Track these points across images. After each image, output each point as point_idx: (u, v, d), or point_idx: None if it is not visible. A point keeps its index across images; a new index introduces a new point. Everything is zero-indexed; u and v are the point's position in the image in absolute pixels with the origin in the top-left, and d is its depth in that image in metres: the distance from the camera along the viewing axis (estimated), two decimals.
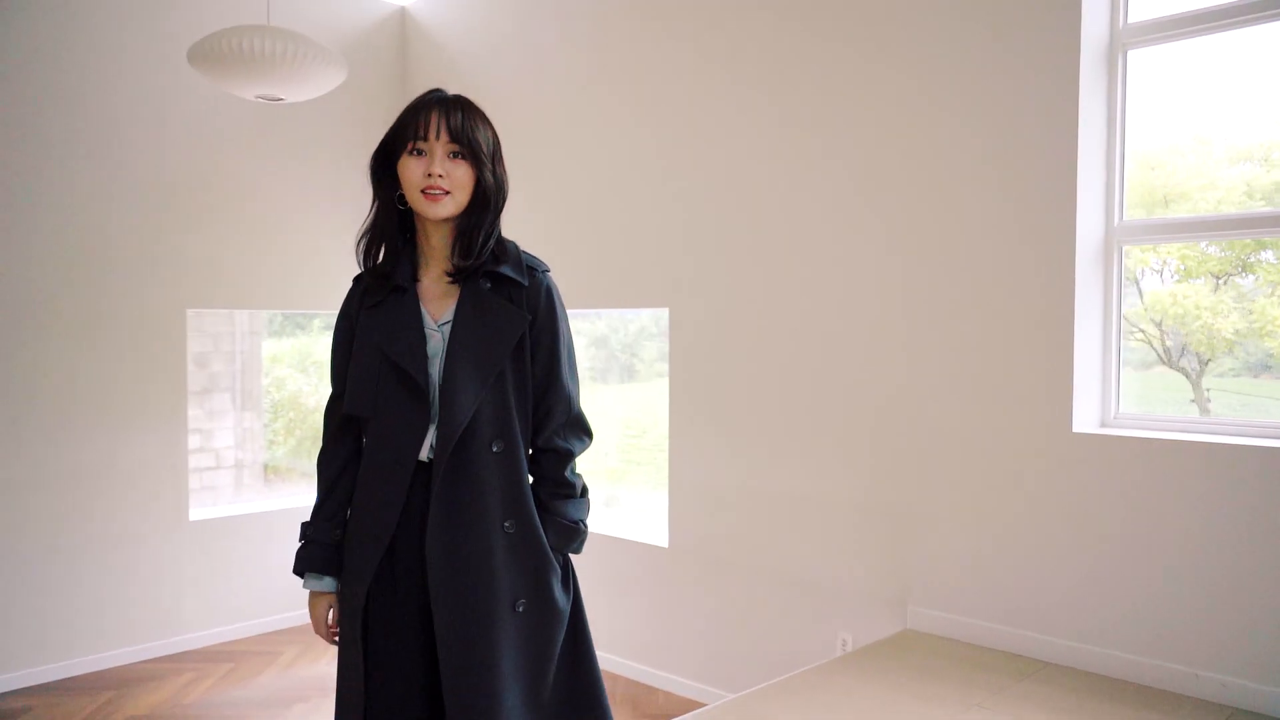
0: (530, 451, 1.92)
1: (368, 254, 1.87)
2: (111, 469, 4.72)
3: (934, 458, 3.54)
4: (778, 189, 3.99)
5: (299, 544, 1.88)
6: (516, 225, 5.15)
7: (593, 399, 5.60)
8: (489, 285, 1.84)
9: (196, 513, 5.13)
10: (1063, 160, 3.22)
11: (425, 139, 1.78)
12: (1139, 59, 3.31)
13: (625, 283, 4.60)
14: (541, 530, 1.83)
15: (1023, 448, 3.32)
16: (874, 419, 3.70)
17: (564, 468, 1.91)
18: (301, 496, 5.98)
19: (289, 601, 5.22)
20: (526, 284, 1.87)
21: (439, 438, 1.74)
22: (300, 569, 1.86)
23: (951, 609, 3.50)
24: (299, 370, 7.42)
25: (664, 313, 4.61)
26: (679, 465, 4.37)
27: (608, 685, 4.28)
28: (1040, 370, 3.28)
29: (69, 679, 4.55)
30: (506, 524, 1.77)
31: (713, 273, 4.22)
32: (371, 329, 1.78)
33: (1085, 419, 3.27)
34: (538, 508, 1.87)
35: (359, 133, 5.45)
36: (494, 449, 1.77)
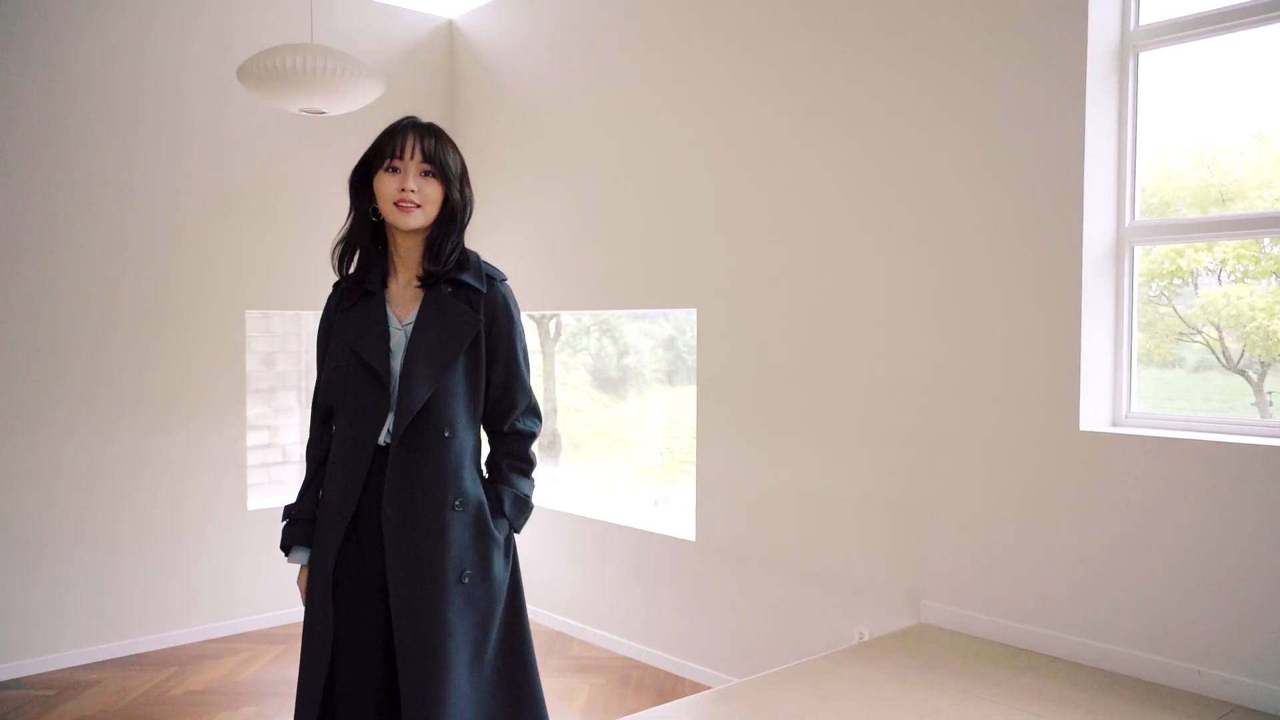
0: (495, 434, 2.16)
1: (341, 260, 2.08)
2: (176, 461, 5.03)
3: (945, 456, 3.61)
4: (797, 193, 4.09)
5: (283, 523, 2.10)
6: (550, 227, 5.36)
7: (653, 400, 5.74)
8: (450, 290, 2.03)
9: (255, 503, 5.42)
10: (1069, 162, 3.28)
11: (400, 158, 1.98)
12: (1183, 55, 3.32)
13: (655, 283, 4.75)
14: (487, 509, 2.02)
15: (1030, 446, 3.38)
16: (889, 418, 3.79)
17: (527, 446, 2.18)
18: None
19: None
20: (485, 291, 2.06)
21: (395, 423, 1.94)
22: (286, 544, 2.08)
23: (963, 604, 3.57)
24: None
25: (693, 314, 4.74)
26: (706, 462, 4.50)
27: (636, 675, 4.46)
28: (1047, 370, 3.33)
29: (134, 655, 4.87)
30: (455, 502, 1.96)
31: (738, 275, 4.34)
32: (344, 329, 1.99)
33: (1094, 418, 3.31)
34: (498, 482, 2.09)
35: None
36: (444, 434, 1.96)
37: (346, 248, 2.09)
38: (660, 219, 4.72)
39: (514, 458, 2.14)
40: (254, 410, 5.86)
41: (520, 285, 5.60)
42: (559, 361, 6.33)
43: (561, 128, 5.26)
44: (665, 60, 4.67)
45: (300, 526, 2.07)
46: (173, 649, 4.98)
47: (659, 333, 5.83)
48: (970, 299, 3.55)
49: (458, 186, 2.07)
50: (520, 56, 5.55)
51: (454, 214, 2.08)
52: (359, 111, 4.48)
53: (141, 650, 4.93)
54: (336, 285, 2.12)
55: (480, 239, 5.88)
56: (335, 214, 5.46)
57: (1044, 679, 3.11)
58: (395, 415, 1.95)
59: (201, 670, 4.69)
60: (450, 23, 6.00)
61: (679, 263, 4.62)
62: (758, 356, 4.27)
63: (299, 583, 2.10)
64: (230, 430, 5.21)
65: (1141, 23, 3.35)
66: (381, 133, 2.06)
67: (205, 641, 5.09)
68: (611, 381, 5.95)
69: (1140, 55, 3.36)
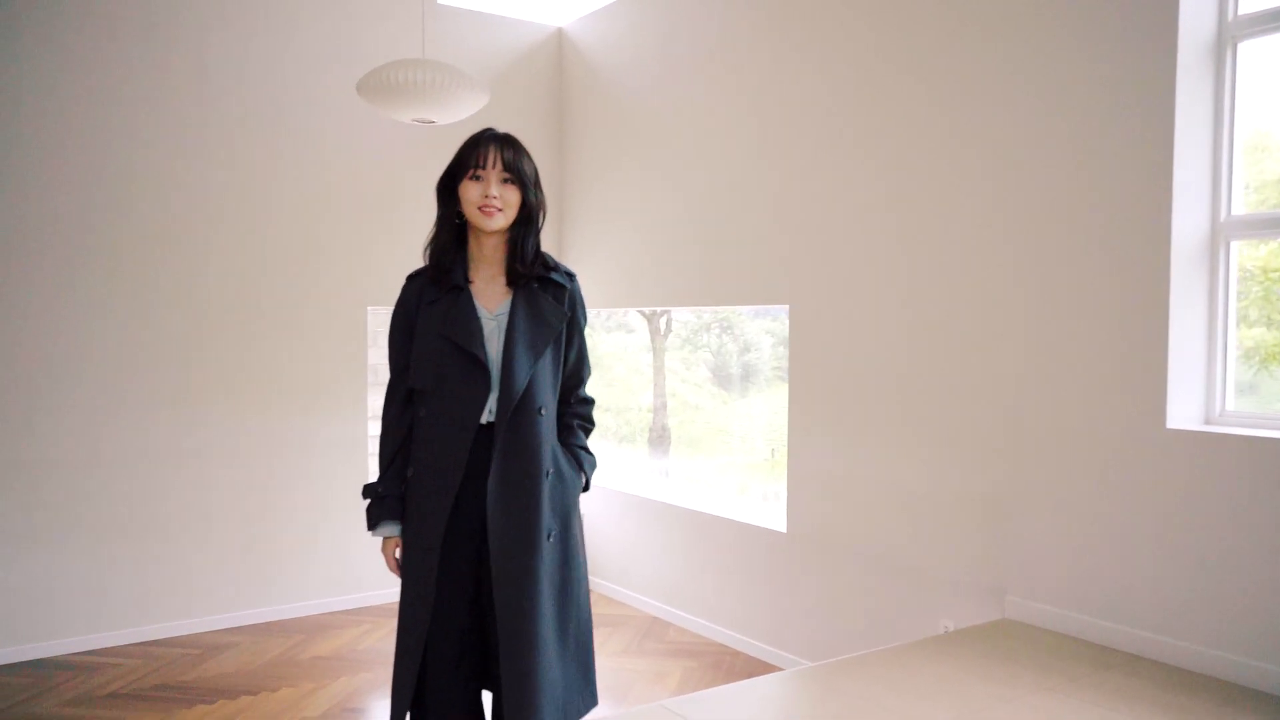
0: (565, 401, 2.45)
1: (434, 257, 2.29)
2: (304, 444, 5.46)
3: (1031, 452, 3.62)
4: (887, 191, 4.15)
5: (369, 501, 2.31)
6: (650, 226, 5.53)
7: (771, 397, 5.87)
8: (537, 286, 2.24)
9: None
10: (1158, 156, 3.24)
11: (483, 168, 2.19)
12: (1260, 49, 3.26)
13: (750, 280, 4.87)
14: (571, 478, 2.26)
15: (1116, 444, 3.36)
16: (975, 414, 3.81)
17: (590, 409, 2.50)
18: None
19: None
20: (569, 288, 2.28)
21: (499, 404, 2.15)
22: (377, 520, 2.29)
23: (1048, 600, 3.57)
24: None
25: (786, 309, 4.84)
26: (797, 455, 4.60)
27: (728, 660, 4.61)
28: (1133, 367, 3.31)
29: (266, 623, 5.32)
30: (548, 472, 2.18)
31: (830, 273, 4.42)
32: (432, 320, 2.20)
33: (1183, 415, 3.27)
34: (571, 440, 2.39)
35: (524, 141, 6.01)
36: (540, 412, 2.18)
37: (437, 247, 2.31)
38: (755, 218, 4.83)
39: (582, 419, 2.44)
40: (376, 402, 6.26)
41: (618, 282, 5.81)
42: (678, 358, 6.49)
43: (662, 129, 5.44)
44: (762, 63, 4.78)
45: (390, 503, 2.27)
46: (301, 618, 5.41)
47: (779, 330, 5.93)
48: (1056, 295, 3.54)
49: (533, 191, 2.27)
50: (625, 61, 5.76)
51: (531, 215, 2.29)
52: (466, 120, 4.76)
53: (274, 618, 5.37)
54: (413, 279, 2.33)
55: (581, 237, 6.14)
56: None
57: (1124, 676, 3.10)
58: (499, 396, 2.17)
59: (326, 638, 5.09)
60: (559, 30, 6.26)
61: (773, 260, 4.73)
62: (847, 353, 4.35)
63: (386, 553, 2.32)
64: (352, 418, 5.61)
65: (1241, 12, 3.28)
66: (464, 144, 2.27)
67: (328, 613, 5.51)
68: (731, 378, 6.07)
69: (1239, 45, 3.29)
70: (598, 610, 5.63)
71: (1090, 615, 3.44)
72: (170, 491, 5.11)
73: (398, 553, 2.31)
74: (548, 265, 2.31)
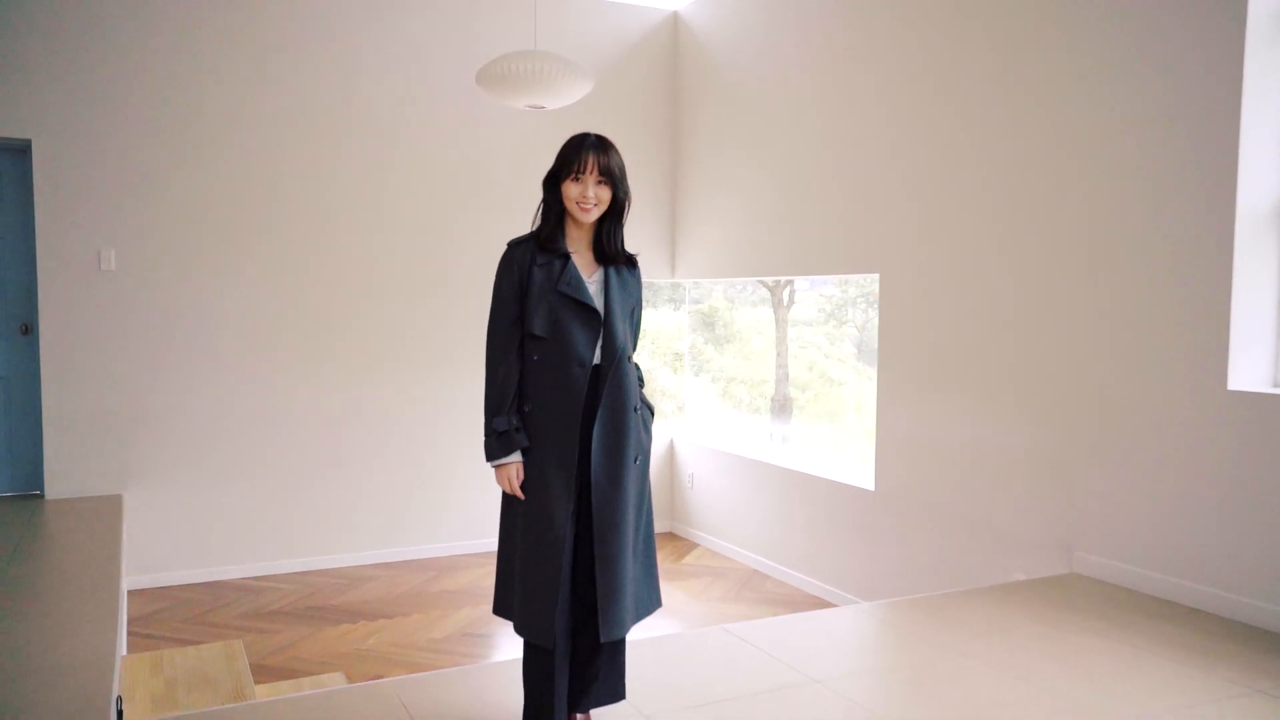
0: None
1: (540, 232, 2.70)
2: (431, 406, 6.08)
3: (1099, 415, 3.79)
4: (969, 165, 4.34)
5: (496, 434, 2.72)
6: (755, 199, 5.85)
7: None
8: (622, 266, 2.67)
9: None
10: (1225, 126, 3.35)
11: (583, 172, 2.61)
12: None
13: (843, 250, 5.14)
14: (646, 417, 2.68)
15: (1178, 406, 3.50)
16: (1047, 377, 3.99)
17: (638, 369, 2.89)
18: None
19: None
20: (638, 269, 2.70)
21: (604, 350, 2.60)
22: (504, 450, 2.64)
23: (1114, 556, 3.74)
24: None
25: (871, 278, 5.09)
26: (884, 418, 4.87)
27: (817, 609, 4.93)
28: (1196, 331, 3.44)
29: (401, 561, 5.99)
30: (635, 407, 2.61)
31: (918, 244, 4.65)
32: (545, 279, 2.62)
33: (1246, 378, 3.39)
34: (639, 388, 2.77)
35: (637, 123, 6.46)
36: (629, 359, 2.63)
37: (544, 225, 2.74)
38: (849, 191, 5.09)
39: (640, 371, 2.84)
40: None
41: (725, 253, 6.15)
42: (823, 333, 6.71)
43: (768, 107, 5.74)
44: (860, 44, 5.02)
45: (517, 436, 2.67)
46: (430, 558, 6.06)
47: None
48: (1123, 264, 3.69)
49: (622, 188, 2.69)
50: (735, 42, 6.07)
51: (619, 209, 2.70)
52: (574, 105, 5.19)
53: (409, 558, 6.04)
54: (517, 245, 2.74)
55: (693, 210, 6.51)
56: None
57: (1174, 627, 3.28)
58: (603, 344, 2.62)
59: (454, 576, 5.70)
60: (674, 14, 6.61)
61: (865, 231, 4.98)
62: (931, 320, 4.58)
63: (509, 477, 2.67)
64: (476, 378, 6.18)
65: None
66: (567, 147, 2.68)
67: (457, 555, 6.13)
68: (874, 353, 6.30)
69: None
70: (701, 562, 6.05)
71: (1153, 570, 3.61)
72: (321, 444, 5.81)
73: (518, 474, 2.74)
74: (625, 250, 2.74)
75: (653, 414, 2.82)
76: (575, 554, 2.62)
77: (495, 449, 2.62)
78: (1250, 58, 3.32)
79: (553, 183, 2.68)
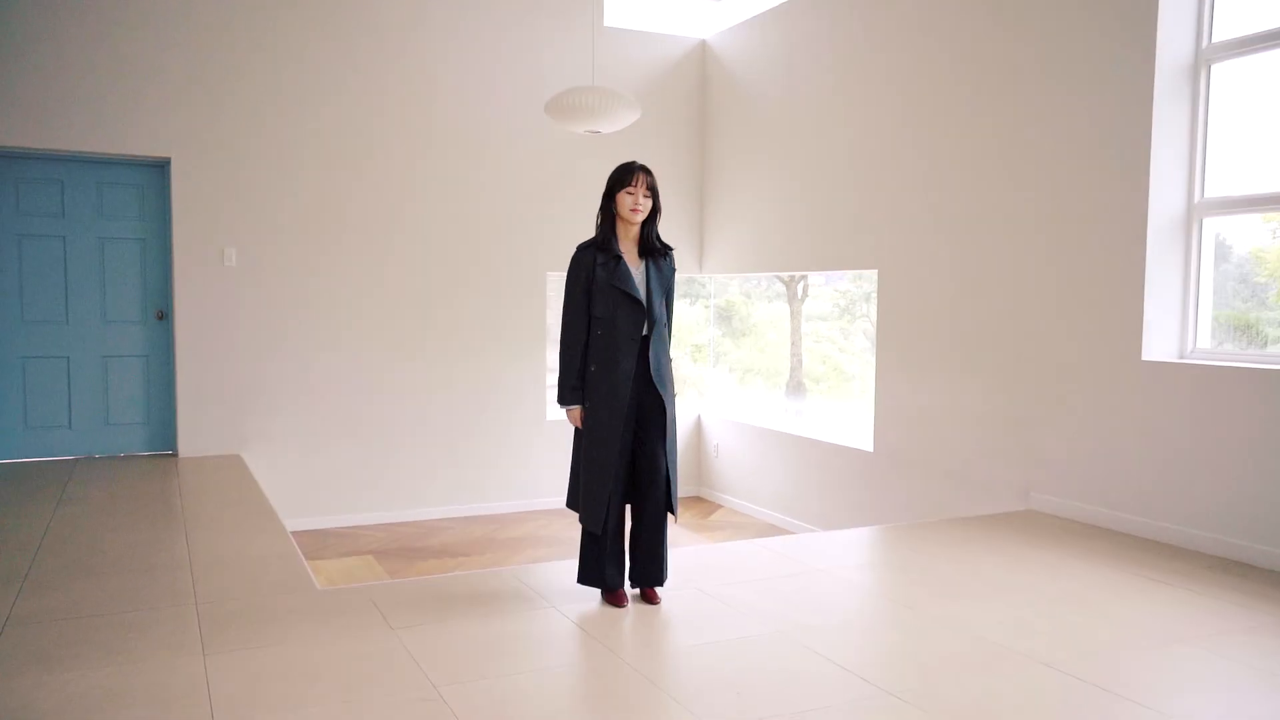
0: None
1: (600, 239, 3.69)
2: (494, 384, 7.12)
3: (1049, 381, 4.80)
4: (945, 180, 5.36)
5: (569, 388, 3.65)
6: (772, 204, 6.84)
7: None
8: (659, 258, 3.67)
9: (551, 415, 7.44)
10: (1138, 153, 4.35)
11: (634, 186, 3.60)
12: (1231, 70, 4.30)
13: (846, 248, 6.15)
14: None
15: (1105, 374, 4.51)
16: (1007, 352, 5.00)
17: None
18: None
19: None
20: (671, 257, 3.71)
21: (649, 324, 3.59)
22: (572, 398, 3.64)
23: (1063, 495, 4.75)
24: None
25: (873, 274, 6.10)
26: (882, 389, 5.88)
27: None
28: (1119, 314, 4.44)
29: (469, 516, 7.03)
30: (669, 364, 3.62)
31: (908, 243, 5.66)
32: (606, 277, 3.62)
33: (1157, 351, 4.39)
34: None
35: (671, 138, 7.49)
36: (667, 328, 3.63)
37: (604, 231, 3.74)
38: (852, 197, 6.11)
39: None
40: (551, 357, 7.86)
41: (745, 252, 7.16)
42: (836, 328, 7.54)
43: (782, 122, 6.76)
44: (864, 70, 6.04)
45: (578, 389, 3.67)
46: (491, 515, 7.10)
47: None
48: (1065, 259, 4.70)
49: (658, 200, 3.70)
50: (755, 66, 7.09)
51: (656, 214, 3.71)
52: (624, 130, 6.20)
53: (471, 514, 7.08)
54: (585, 249, 3.70)
55: (718, 212, 7.52)
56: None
57: (1109, 545, 4.28)
58: (648, 320, 3.63)
59: (516, 527, 6.75)
60: (703, 42, 7.64)
61: (867, 233, 6.00)
62: (920, 308, 5.59)
63: (576, 417, 3.67)
64: (532, 364, 7.23)
65: (1214, 39, 4.33)
66: (621, 170, 3.66)
67: (513, 513, 7.18)
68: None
69: (1213, 67, 4.34)
70: (726, 519, 7.07)
71: (1095, 505, 4.61)
72: (403, 415, 6.86)
73: (578, 416, 3.73)
74: (663, 243, 3.74)
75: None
76: (631, 467, 3.64)
77: (567, 398, 3.65)
78: (1158, 103, 4.32)
79: (609, 196, 3.68)
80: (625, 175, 3.62)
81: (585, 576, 3.59)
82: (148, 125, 6.09)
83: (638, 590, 3.62)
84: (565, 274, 3.72)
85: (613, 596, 3.55)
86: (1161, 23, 4.29)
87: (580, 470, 3.65)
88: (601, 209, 3.69)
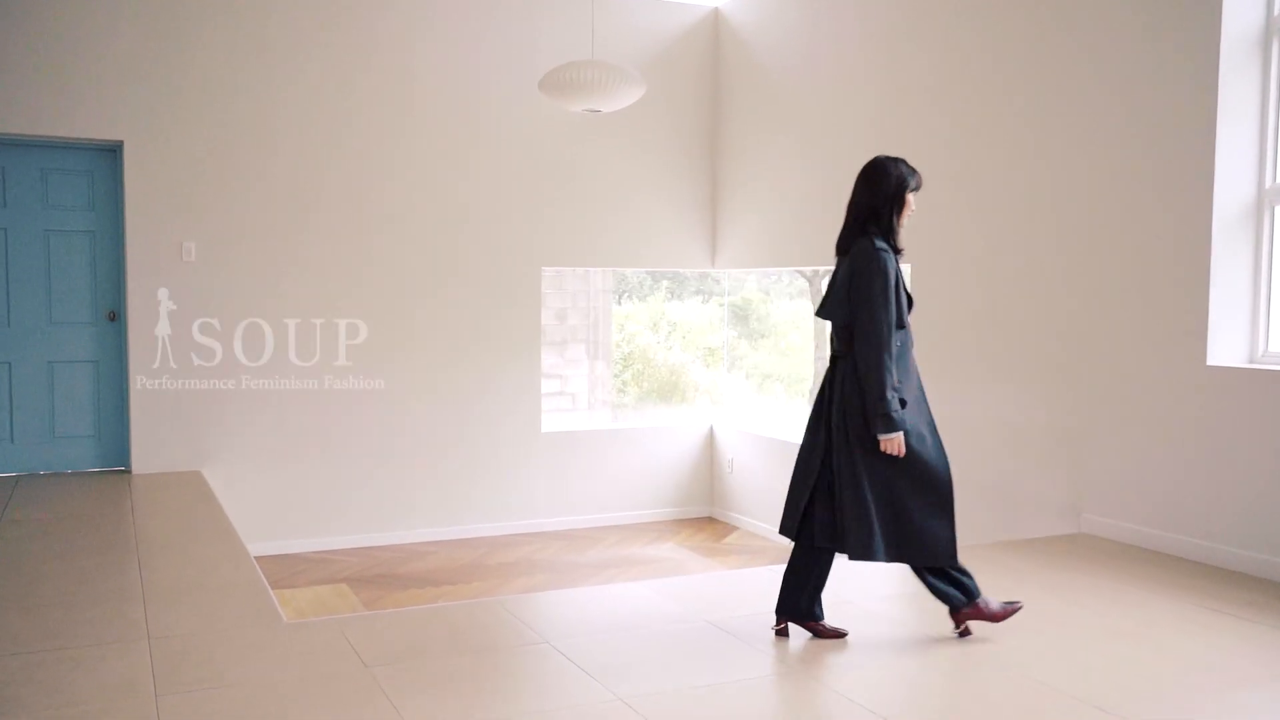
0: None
1: (894, 238, 3.63)
2: (483, 390, 7.12)
3: (1101, 389, 4.77)
4: (985, 167, 5.34)
5: (893, 412, 3.40)
6: (790, 190, 6.83)
7: None
8: None
9: (547, 426, 7.44)
10: (1203, 137, 4.33)
11: (916, 191, 3.64)
12: None
13: None
14: None
15: (1166, 380, 4.48)
16: (1057, 358, 4.98)
17: None
18: (643, 418, 8.13)
19: (620, 502, 7.42)
20: None
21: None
22: (900, 425, 3.42)
23: (1118, 516, 4.72)
24: (650, 328, 9.59)
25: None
26: None
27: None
28: (1181, 316, 4.42)
29: (456, 539, 7.03)
30: None
31: (943, 237, 5.64)
32: (898, 279, 3.56)
33: (1224, 356, 4.36)
34: None
35: (679, 118, 7.50)
36: None
37: (895, 235, 3.66)
38: None
39: None
40: (547, 360, 7.87)
41: (761, 244, 7.15)
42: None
43: (804, 100, 6.75)
44: (905, 36, 6.03)
45: (901, 413, 3.49)
46: (483, 536, 7.10)
47: None
48: (1119, 254, 4.67)
49: None
50: (775, 37, 7.08)
51: None
52: (627, 109, 6.20)
53: (461, 536, 7.07)
54: (885, 251, 3.56)
55: (732, 198, 7.52)
56: (627, 185, 7.22)
57: (1172, 572, 4.26)
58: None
59: (508, 552, 6.74)
60: (715, 10, 7.64)
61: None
62: (957, 306, 5.57)
63: (900, 443, 3.42)
64: (527, 366, 7.24)
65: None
66: (906, 169, 3.64)
67: (506, 535, 7.17)
68: None
69: None
70: (741, 543, 7.07)
71: (1149, 526, 4.58)
72: (380, 429, 6.86)
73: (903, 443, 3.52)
74: None
75: None
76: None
77: (894, 423, 3.43)
78: (1224, 80, 4.30)
79: (899, 195, 3.63)
80: (913, 177, 3.64)
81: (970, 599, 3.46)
82: (97, 104, 6.11)
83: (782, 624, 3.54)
84: (870, 271, 3.51)
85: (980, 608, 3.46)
86: None
87: (909, 506, 3.47)
88: (889, 205, 3.62)
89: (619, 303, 9.14)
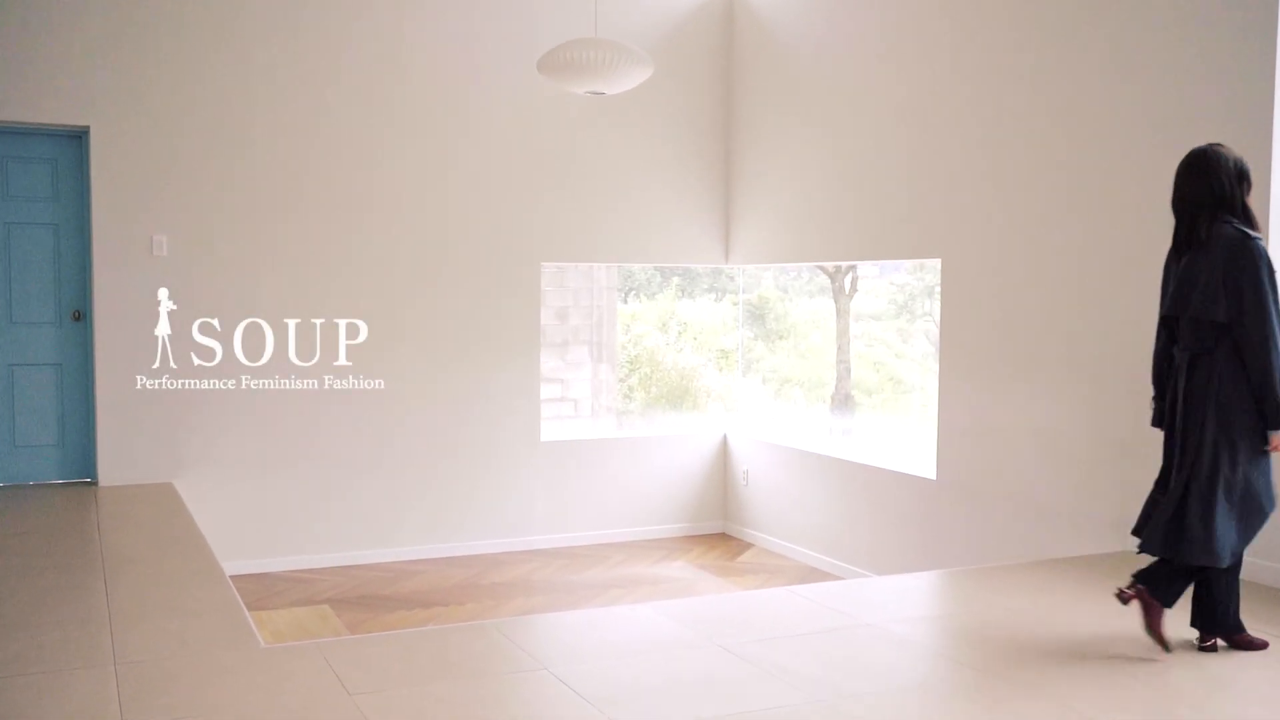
0: None
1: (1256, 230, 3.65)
2: (477, 396, 7.12)
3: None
4: (1033, 158, 5.33)
5: None
6: (809, 181, 6.84)
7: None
8: None
9: (546, 435, 7.44)
10: (1260, 133, 4.33)
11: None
12: None
13: (905, 234, 6.14)
14: None
15: None
16: (1105, 364, 4.97)
17: None
18: (648, 428, 8.14)
19: (626, 517, 7.44)
20: None
21: None
22: None
23: None
24: (658, 328, 9.58)
25: (936, 264, 6.08)
26: (947, 403, 5.86)
27: None
28: None
29: (447, 557, 7.04)
30: None
31: (981, 229, 5.64)
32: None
33: None
34: None
35: (689, 102, 7.52)
36: None
37: (1251, 219, 3.68)
38: (909, 174, 6.09)
39: None
40: (547, 363, 7.87)
41: (779, 238, 7.16)
42: (893, 329, 7.60)
43: (826, 87, 6.76)
44: (931, 18, 6.03)
45: None
46: (477, 554, 7.11)
47: None
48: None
49: None
50: (794, 16, 7.09)
51: None
52: (633, 91, 6.20)
53: (453, 554, 7.08)
54: (1257, 240, 3.59)
55: (749, 189, 7.53)
56: (630, 178, 7.23)
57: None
58: None
59: (502, 570, 6.75)
60: None
61: (928, 214, 5.98)
62: (994, 304, 5.56)
63: None
64: (526, 369, 7.26)
65: None
66: (1245, 164, 3.67)
67: (502, 553, 7.18)
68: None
69: None
70: (757, 561, 7.06)
71: None
72: (364, 442, 6.87)
73: None
74: None
75: None
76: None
77: None
78: None
79: (1246, 174, 3.68)
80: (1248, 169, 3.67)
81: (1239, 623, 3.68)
82: (61, 87, 6.14)
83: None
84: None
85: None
86: None
87: (1234, 504, 3.65)
88: (1233, 189, 3.65)
89: (625, 301, 9.13)
